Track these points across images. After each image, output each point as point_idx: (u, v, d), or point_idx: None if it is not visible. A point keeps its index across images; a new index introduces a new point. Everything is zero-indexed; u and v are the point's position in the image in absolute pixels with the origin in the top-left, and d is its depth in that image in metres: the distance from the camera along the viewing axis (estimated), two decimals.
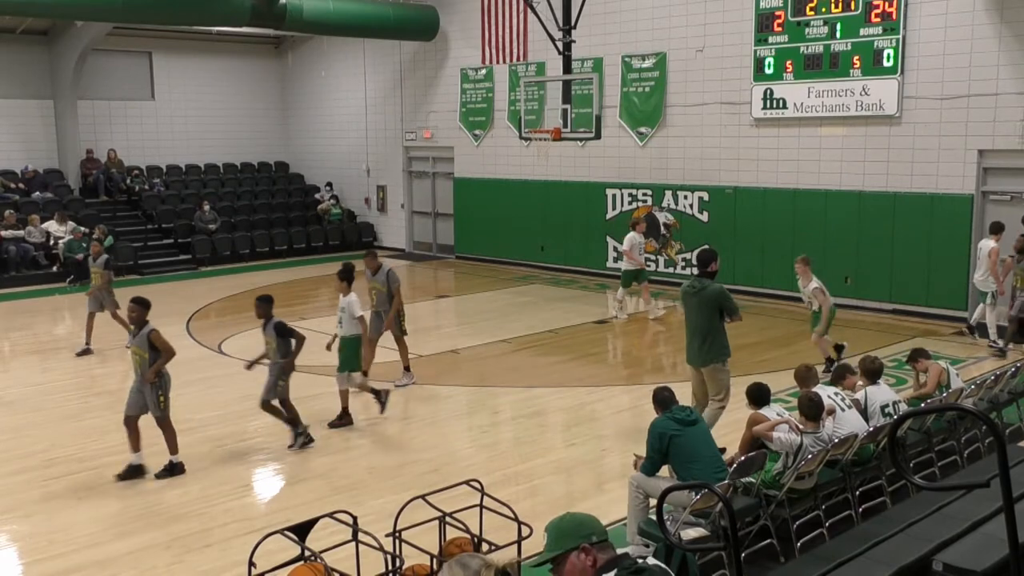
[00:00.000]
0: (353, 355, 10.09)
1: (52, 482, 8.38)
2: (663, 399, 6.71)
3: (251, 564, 5.11)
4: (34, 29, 21.56)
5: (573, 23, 15.73)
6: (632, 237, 15.24)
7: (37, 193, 21.49)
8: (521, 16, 18.31)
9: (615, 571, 3.28)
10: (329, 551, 5.37)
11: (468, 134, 21.44)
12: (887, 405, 7.60)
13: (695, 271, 9.22)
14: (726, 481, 6.02)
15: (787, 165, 16.19)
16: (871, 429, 7.10)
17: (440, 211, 22.94)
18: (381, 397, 10.03)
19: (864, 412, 7.48)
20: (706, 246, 9.35)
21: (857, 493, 7.02)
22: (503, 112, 20.53)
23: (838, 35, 15.16)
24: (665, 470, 6.51)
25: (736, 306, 8.71)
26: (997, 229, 12.66)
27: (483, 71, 20.71)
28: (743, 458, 6.32)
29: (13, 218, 19.82)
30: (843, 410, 7.23)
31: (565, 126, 15.65)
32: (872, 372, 7.83)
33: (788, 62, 15.80)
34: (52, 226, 20.06)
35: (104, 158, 22.89)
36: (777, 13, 15.83)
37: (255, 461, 9.18)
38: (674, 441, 6.26)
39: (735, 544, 4.12)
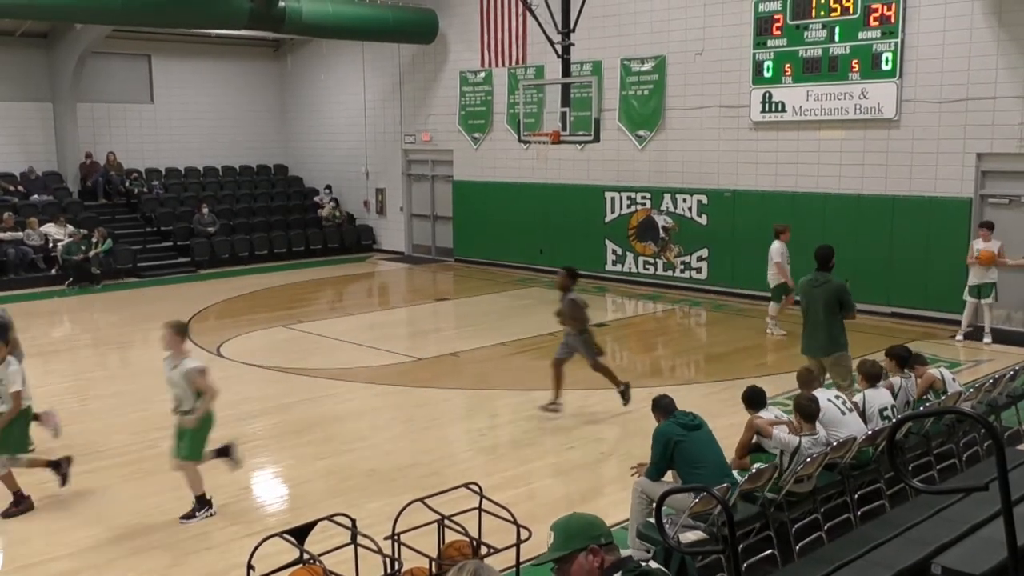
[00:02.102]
0: (15, 434, 7.74)
1: (50, 485, 8.36)
2: (664, 405, 6.68)
3: (250, 567, 5.11)
4: (33, 32, 21.56)
5: (572, 26, 15.75)
6: (778, 246, 13.71)
7: (36, 196, 21.49)
8: (520, 19, 18.32)
9: (619, 574, 3.30)
10: (328, 554, 5.36)
11: (467, 137, 21.45)
12: (885, 408, 7.60)
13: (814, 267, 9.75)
14: (725, 484, 6.01)
15: (786, 168, 16.21)
16: (869, 432, 7.10)
17: (439, 214, 22.94)
18: (62, 467, 8.11)
19: (862, 415, 7.48)
20: (824, 244, 9.75)
21: (856, 496, 7.02)
22: (502, 115, 20.54)
23: (837, 39, 15.18)
24: (669, 475, 6.50)
25: (853, 303, 9.21)
26: (986, 225, 13.32)
27: (482, 74, 20.72)
28: (754, 470, 6.31)
29: (12, 221, 19.81)
30: (843, 413, 7.24)
31: (564, 129, 15.67)
32: (871, 376, 7.84)
33: (787, 65, 15.82)
34: (51, 229, 20.06)
35: (103, 161, 22.89)
36: (776, 16, 15.85)
37: (254, 464, 9.16)
38: (679, 446, 6.25)
39: (734, 547, 4.12)
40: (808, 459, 6.50)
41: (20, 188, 21.58)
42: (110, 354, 14.38)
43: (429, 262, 22.66)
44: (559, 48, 15.80)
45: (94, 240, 19.87)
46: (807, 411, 6.86)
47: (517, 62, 18.94)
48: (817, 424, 6.95)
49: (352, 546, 5.45)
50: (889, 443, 4.64)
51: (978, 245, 13.11)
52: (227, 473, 8.63)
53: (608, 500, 7.73)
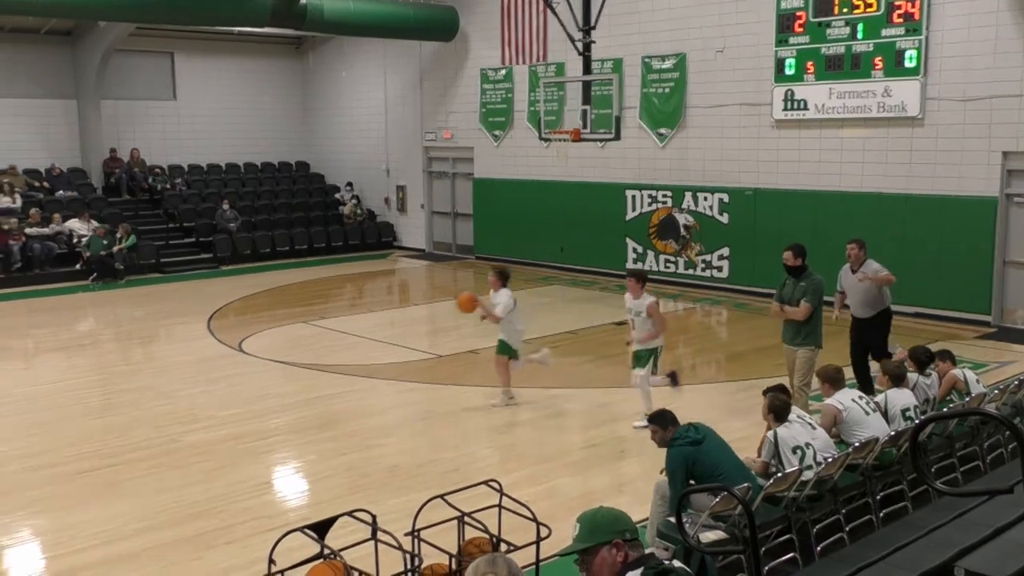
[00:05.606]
0: None
1: (75, 478, 8.45)
2: (670, 419, 6.62)
3: (271, 561, 5.14)
4: (58, 29, 21.77)
5: (593, 24, 15.71)
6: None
7: (61, 192, 21.70)
8: (541, 16, 18.30)
9: (641, 570, 3.31)
10: (348, 549, 5.38)
11: (488, 134, 21.46)
12: (908, 409, 7.55)
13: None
14: (746, 484, 5.99)
15: (808, 167, 16.11)
16: (892, 433, 7.05)
17: (460, 211, 22.97)
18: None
19: (885, 415, 7.43)
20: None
21: (878, 497, 6.97)
22: (523, 113, 20.53)
23: (860, 36, 15.06)
24: None
25: None
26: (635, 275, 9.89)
27: (503, 71, 20.72)
28: (780, 474, 6.26)
29: (38, 216, 20.02)
30: (867, 414, 7.19)
31: (585, 127, 15.63)
32: (896, 376, 7.78)
33: (809, 63, 15.71)
34: (75, 224, 20.25)
35: (127, 157, 23.07)
36: (798, 14, 15.75)
37: (275, 459, 9.23)
38: (695, 465, 6.22)
39: (755, 548, 4.11)
40: (829, 458, 6.46)
41: (45, 184, 21.80)
42: (133, 349, 14.50)
43: (449, 259, 22.69)
44: (580, 45, 15.76)
45: (118, 236, 20.04)
46: (781, 412, 6.79)
47: (538, 59, 18.91)
48: (794, 417, 6.84)
49: (372, 542, 5.47)
50: (912, 444, 4.61)
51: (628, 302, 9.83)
52: (251, 467, 8.70)
53: (627, 499, 7.71)
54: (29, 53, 21.70)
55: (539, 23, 18.50)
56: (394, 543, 5.28)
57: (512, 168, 21.01)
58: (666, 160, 18.16)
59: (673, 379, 9.72)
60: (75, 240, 20.01)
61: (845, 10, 15.17)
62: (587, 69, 16.03)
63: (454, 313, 11.69)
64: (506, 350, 10.42)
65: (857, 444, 6.75)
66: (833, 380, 7.58)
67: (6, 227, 19.42)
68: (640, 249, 18.80)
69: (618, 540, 3.38)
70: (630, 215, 18.86)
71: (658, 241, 18.52)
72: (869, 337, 10.09)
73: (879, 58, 14.87)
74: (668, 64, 17.86)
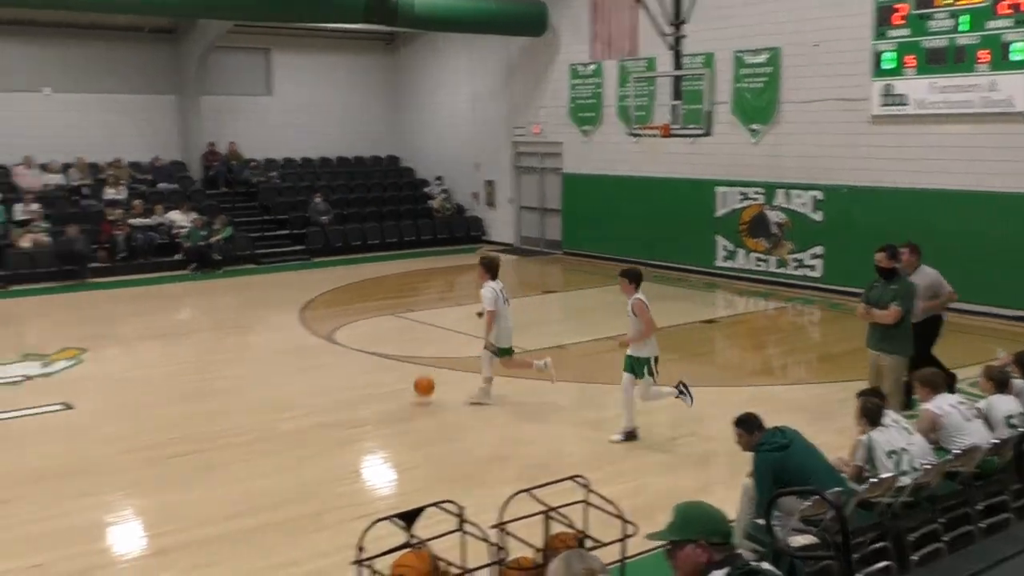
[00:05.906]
0: None
1: (171, 461, 8.74)
2: (752, 423, 6.49)
3: (360, 548, 5.24)
4: (160, 28, 22.57)
5: (684, 18, 15.51)
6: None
7: (163, 184, 22.49)
8: (631, 11, 18.17)
9: (727, 569, 3.29)
10: (434, 540, 5.44)
11: (577, 129, 21.41)
12: (1011, 416, 7.25)
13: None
14: (839, 489, 5.84)
15: (907, 164, 15.60)
16: (995, 441, 6.78)
17: (548, 206, 22.97)
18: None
19: (987, 422, 7.16)
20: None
21: (979, 508, 6.72)
22: (612, 108, 20.42)
23: (963, 28, 14.51)
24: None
25: None
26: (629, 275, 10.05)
27: (592, 66, 20.63)
28: (874, 479, 6.10)
29: (141, 207, 20.79)
30: (967, 420, 6.94)
31: (675, 122, 15.46)
32: (1000, 381, 7.50)
33: (909, 56, 15.22)
34: (176, 215, 20.95)
35: (225, 151, 23.75)
36: (897, 6, 15.26)
37: (364, 448, 9.40)
38: (783, 471, 6.11)
39: (847, 554, 4.01)
40: (927, 465, 6.26)
41: (148, 177, 22.62)
42: (228, 337, 14.92)
43: (538, 254, 22.71)
44: (670, 40, 15.58)
45: (215, 227, 20.66)
46: (871, 414, 6.61)
47: (628, 54, 18.79)
48: (890, 421, 6.63)
49: (458, 533, 5.52)
50: (1017, 453, 4.43)
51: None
52: (340, 456, 8.88)
53: (715, 498, 7.50)
54: (133, 51, 22.53)
55: (629, 18, 18.37)
56: (480, 535, 5.33)
57: (601, 163, 20.91)
58: (758, 156, 17.83)
59: (629, 436, 9.28)
60: (175, 231, 20.70)
61: (948, 1, 14.64)
62: (678, 64, 15.84)
63: (541, 306, 11.68)
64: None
65: (957, 451, 6.52)
66: (932, 384, 7.33)
67: (111, 218, 20.23)
68: (730, 247, 18.51)
69: (702, 541, 3.37)
70: (720, 212, 18.58)
71: (749, 239, 18.20)
72: (920, 343, 9.68)
73: (985, 51, 14.31)
74: (761, 58, 17.52)
